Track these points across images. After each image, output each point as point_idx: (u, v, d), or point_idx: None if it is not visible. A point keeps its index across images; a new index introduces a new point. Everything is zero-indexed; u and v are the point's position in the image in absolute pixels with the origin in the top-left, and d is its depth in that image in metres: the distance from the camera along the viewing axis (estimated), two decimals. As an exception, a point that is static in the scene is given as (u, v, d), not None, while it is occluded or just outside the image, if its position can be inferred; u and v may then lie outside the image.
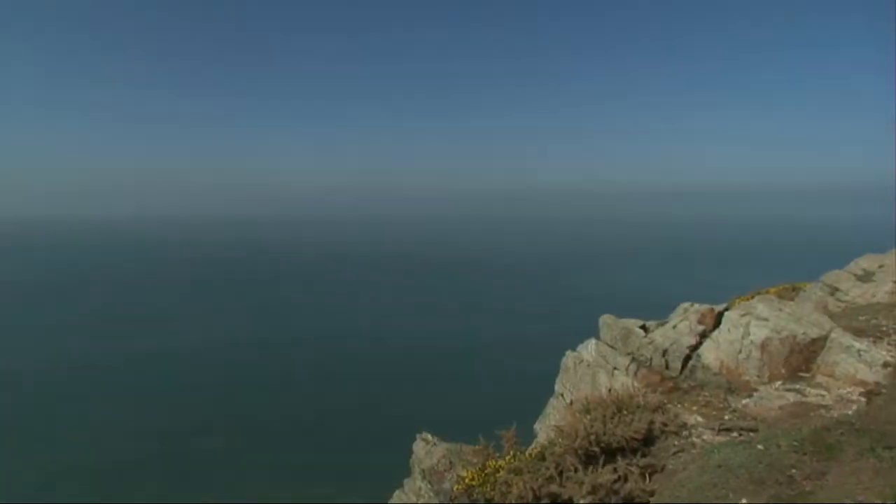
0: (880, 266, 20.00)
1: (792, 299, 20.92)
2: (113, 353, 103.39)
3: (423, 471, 15.90)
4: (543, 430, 16.69)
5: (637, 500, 9.94)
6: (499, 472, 12.69)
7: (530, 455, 11.88)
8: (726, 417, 11.91)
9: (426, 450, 16.37)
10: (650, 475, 10.18)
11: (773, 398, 11.81)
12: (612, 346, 15.13)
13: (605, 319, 15.58)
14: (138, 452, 66.17)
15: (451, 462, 15.29)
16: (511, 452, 13.02)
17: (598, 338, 15.83)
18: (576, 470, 10.33)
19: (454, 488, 13.53)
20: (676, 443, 10.76)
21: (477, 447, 14.44)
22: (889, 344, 12.56)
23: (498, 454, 14.04)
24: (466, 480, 13.30)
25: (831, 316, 16.51)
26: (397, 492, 16.99)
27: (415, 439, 17.51)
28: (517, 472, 11.61)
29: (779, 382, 12.56)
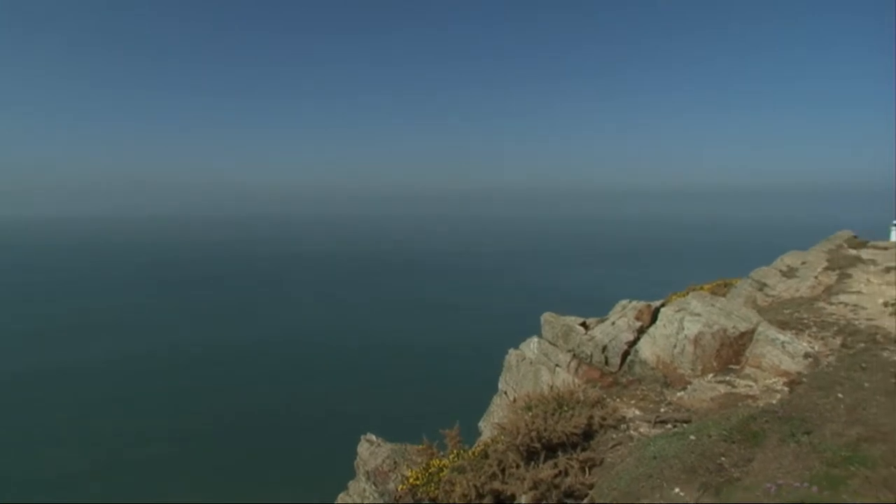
0: (803, 262, 21.06)
1: (724, 295, 21.80)
2: (54, 361, 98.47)
3: (368, 472, 15.76)
4: (488, 427, 16.84)
5: (577, 493, 10.15)
6: (443, 471, 12.73)
7: (473, 453, 11.97)
8: (662, 410, 12.29)
9: (370, 451, 16.23)
10: (590, 469, 10.40)
11: (705, 390, 12.26)
12: (553, 344, 15.39)
13: (547, 317, 15.84)
14: (80, 463, 63.53)
15: (395, 462, 15.21)
16: (455, 451, 13.08)
17: (540, 335, 16.07)
18: (517, 466, 10.47)
19: (398, 488, 13.49)
20: (615, 436, 11.04)
21: (421, 447, 14.44)
22: (810, 336, 13.25)
23: (442, 453, 14.08)
24: (410, 480, 13.29)
25: (759, 310, 17.28)
26: (341, 494, 16.79)
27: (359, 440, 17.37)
28: (461, 470, 11.68)
29: (711, 375, 13.04)
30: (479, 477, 11.04)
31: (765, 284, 20.65)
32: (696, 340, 13.18)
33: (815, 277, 20.07)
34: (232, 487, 57.56)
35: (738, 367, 13.25)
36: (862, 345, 12.13)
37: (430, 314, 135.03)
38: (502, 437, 11.35)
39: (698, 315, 13.53)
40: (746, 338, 13.35)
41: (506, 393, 16.78)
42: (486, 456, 11.43)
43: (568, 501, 10.13)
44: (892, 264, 19.81)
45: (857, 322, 13.81)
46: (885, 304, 15.35)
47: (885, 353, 11.42)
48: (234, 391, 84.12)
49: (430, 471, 13.29)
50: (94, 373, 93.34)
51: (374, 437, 16.92)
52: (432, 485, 12.79)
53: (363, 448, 16.67)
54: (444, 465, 12.96)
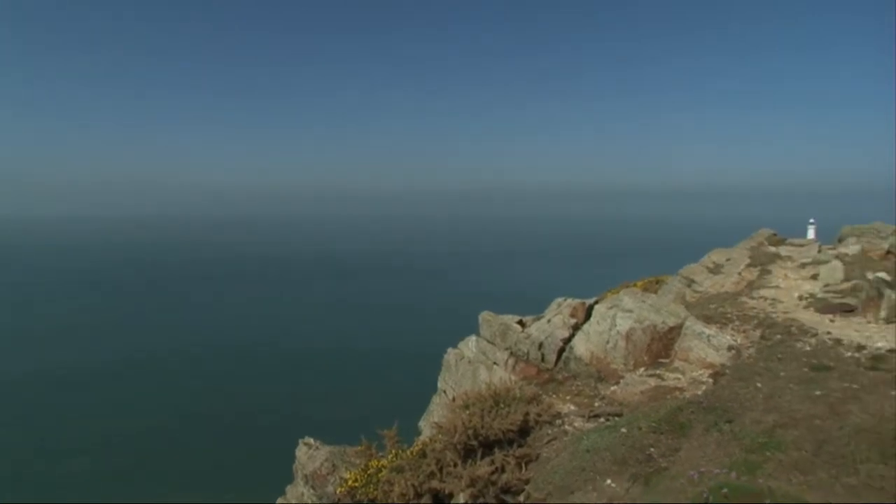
0: (728, 259, 22.06)
1: (656, 291, 22.60)
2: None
3: (306, 475, 15.59)
4: (428, 427, 16.90)
5: (514, 489, 10.33)
6: (381, 471, 12.73)
7: (412, 453, 12.01)
8: (596, 404, 12.64)
9: (309, 454, 16.06)
10: (526, 464, 10.60)
11: (636, 384, 12.68)
12: (491, 342, 15.58)
13: (485, 316, 16.03)
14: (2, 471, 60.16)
15: (334, 465, 15.10)
16: (393, 451, 13.10)
17: (478, 334, 16.24)
18: (455, 465, 10.56)
19: (337, 491, 13.40)
20: (550, 431, 11.28)
21: (359, 448, 14.39)
22: (733, 329, 13.90)
23: (381, 454, 14.06)
24: (349, 482, 13.22)
25: (688, 305, 18.00)
26: (279, 498, 16.54)
27: (297, 444, 17.15)
28: (399, 470, 11.69)
29: (642, 369, 13.51)
30: (418, 476, 11.09)
31: (693, 281, 21.52)
32: (628, 336, 13.62)
33: (739, 274, 21.04)
34: (166, 496, 55.64)
35: (667, 360, 13.77)
36: (779, 337, 12.81)
37: (371, 315, 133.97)
38: (440, 436, 11.43)
39: (630, 311, 13.98)
40: (675, 332, 13.89)
41: (445, 392, 16.88)
42: (425, 455, 11.49)
43: (505, 497, 10.29)
44: (807, 260, 20.99)
45: (774, 315, 14.57)
46: (800, 298, 16.27)
47: (799, 344, 12.11)
48: (167, 398, 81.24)
49: (368, 472, 13.26)
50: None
51: (312, 441, 16.74)
52: (371, 486, 12.77)
53: (301, 452, 16.47)
54: (382, 466, 12.96)
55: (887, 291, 13.57)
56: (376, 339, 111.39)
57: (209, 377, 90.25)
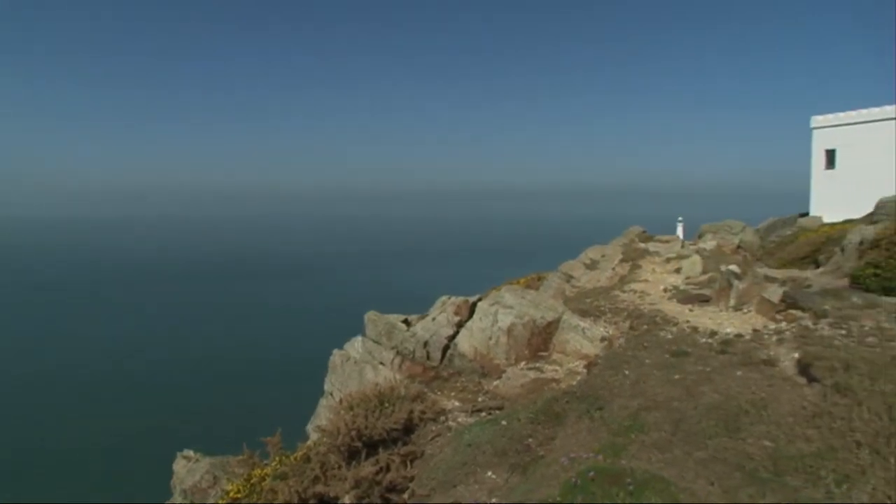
0: (603, 255, 23.40)
1: (538, 287, 23.55)
2: None
3: (185, 490, 14.84)
4: (314, 431, 16.59)
5: (399, 487, 10.39)
6: (265, 480, 12.37)
7: (296, 458, 11.76)
8: (479, 399, 12.99)
9: (188, 467, 15.30)
10: (411, 462, 10.70)
11: (517, 377, 13.14)
12: (377, 342, 15.58)
13: (370, 316, 16.00)
14: None
15: (215, 477, 14.49)
16: (277, 458, 12.76)
17: (364, 335, 16.18)
18: (339, 467, 10.46)
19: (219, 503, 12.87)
20: (434, 428, 11.46)
21: (241, 457, 13.89)
22: (605, 321, 14.78)
23: (265, 462, 13.66)
24: (231, 494, 12.75)
25: (566, 300, 18.92)
26: (155, 518, 15.61)
27: (175, 458, 16.28)
28: (283, 477, 11.41)
29: (523, 363, 14.02)
30: (302, 482, 10.87)
31: (571, 276, 22.64)
32: (509, 331, 14.09)
33: (613, 269, 22.39)
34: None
35: (546, 353, 14.40)
36: (645, 327, 13.78)
37: (252, 319, 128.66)
38: (324, 439, 11.27)
39: (511, 307, 14.47)
40: (553, 326, 14.54)
41: (332, 394, 16.66)
42: (309, 460, 11.29)
43: (390, 496, 10.33)
44: (672, 255, 22.72)
45: (642, 307, 15.64)
46: (665, 291, 17.58)
47: (662, 333, 13.08)
48: (36, 419, 74.01)
49: (251, 481, 12.85)
50: None
51: (191, 453, 15.97)
52: (255, 495, 12.38)
53: (179, 465, 15.67)
54: (266, 474, 12.60)
55: (735, 282, 14.98)
56: (260, 343, 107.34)
57: (72, 388, 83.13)
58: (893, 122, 33.52)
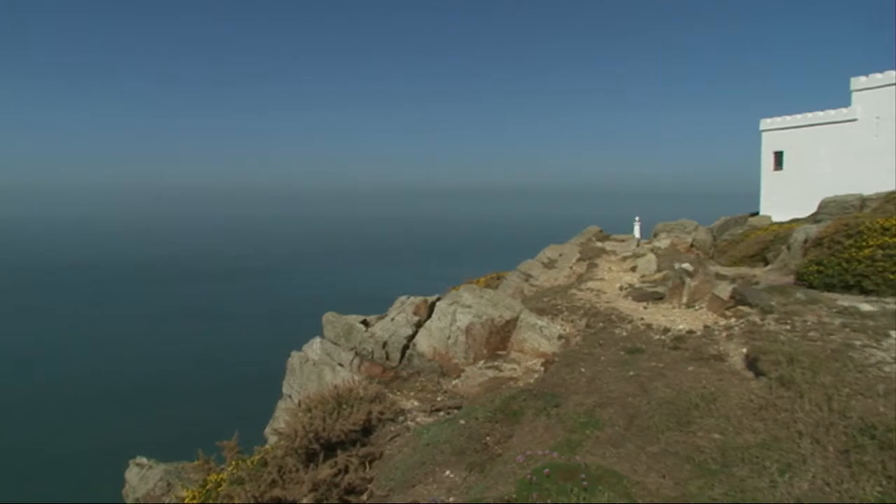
0: (560, 254, 23.71)
1: (497, 287, 23.71)
2: None
3: (138, 499, 14.45)
4: (272, 434, 16.37)
5: (358, 489, 10.33)
6: (221, 485, 12.14)
7: (252, 462, 11.57)
8: (438, 399, 13.02)
9: (141, 475, 14.90)
10: (370, 463, 10.65)
11: (476, 376, 13.23)
12: (336, 343, 15.46)
13: (328, 317, 15.87)
14: None
15: (169, 484, 14.14)
16: (234, 463, 12.52)
17: (322, 336, 16.04)
18: (297, 470, 10.35)
19: (172, 511, 12.58)
20: (393, 428, 11.43)
21: (197, 463, 13.61)
22: (562, 319, 14.98)
23: (221, 467, 13.41)
24: (186, 500, 12.46)
25: (524, 299, 19.11)
26: (106, 528, 15.16)
27: (128, 466, 15.84)
28: (239, 482, 11.22)
29: (481, 362, 14.11)
30: (259, 486, 10.71)
31: (530, 275, 22.87)
32: (468, 330, 14.16)
33: (571, 268, 22.70)
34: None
35: (504, 352, 14.52)
36: (601, 324, 14.03)
37: (208, 321, 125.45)
38: (281, 442, 11.14)
39: (469, 307, 14.55)
40: (511, 325, 14.68)
41: (290, 397, 16.46)
42: (266, 463, 11.13)
43: (349, 498, 10.27)
44: (628, 254, 23.17)
45: (598, 305, 15.92)
46: (621, 289, 17.92)
47: (617, 330, 13.35)
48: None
49: (207, 487, 12.59)
50: None
51: (144, 460, 15.56)
52: (210, 501, 12.14)
53: (132, 473, 15.25)
54: (222, 480, 12.35)
55: (688, 280, 15.38)
56: (216, 347, 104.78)
57: (15, 397, 79.67)
58: (835, 125, 34.89)
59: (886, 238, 14.18)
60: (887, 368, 9.05)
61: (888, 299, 13.08)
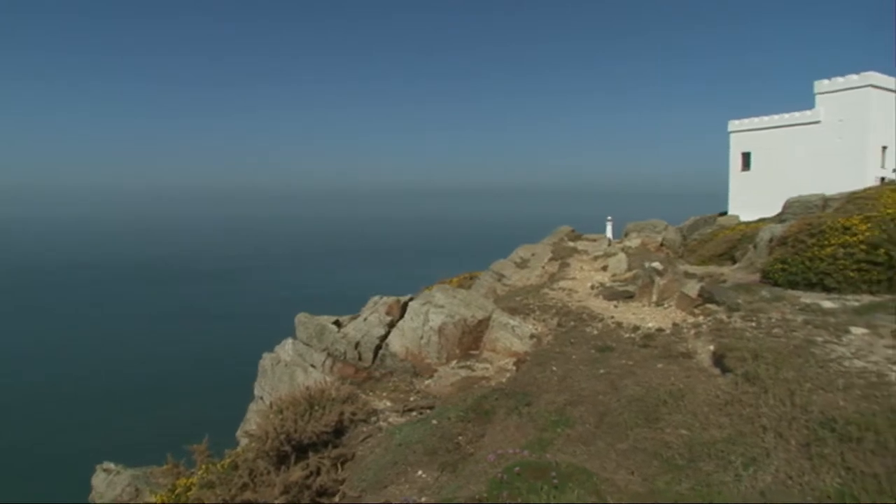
0: (533, 254, 23.87)
1: (470, 287, 23.78)
2: None
3: (105, 505, 14.18)
4: (243, 436, 16.20)
5: (330, 490, 10.28)
6: (190, 489, 11.97)
7: (223, 466, 11.43)
8: (411, 399, 13.01)
9: (108, 481, 14.62)
10: (342, 464, 10.60)
11: (448, 376, 13.24)
12: (308, 344, 15.35)
13: (301, 318, 15.75)
14: None
15: (137, 489, 13.91)
16: (204, 467, 12.36)
17: (295, 337, 15.92)
18: (268, 472, 10.25)
19: (140, 517, 12.37)
20: (365, 429, 11.39)
21: (166, 467, 13.41)
22: (534, 319, 15.09)
23: (191, 471, 13.23)
24: (154, 505, 12.27)
25: (497, 299, 19.18)
26: (72, 536, 14.84)
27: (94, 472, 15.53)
28: (209, 485, 11.08)
29: (454, 362, 14.13)
30: (229, 490, 10.59)
31: (503, 275, 22.97)
32: (441, 330, 14.17)
33: (543, 267, 22.86)
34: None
35: (477, 352, 14.56)
36: (572, 323, 14.17)
37: (178, 323, 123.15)
38: (252, 445, 11.03)
39: (442, 307, 14.56)
40: (484, 325, 14.73)
41: (262, 398, 16.30)
42: (236, 467, 11.00)
43: (321, 500, 10.21)
44: (599, 253, 23.41)
45: (570, 304, 16.07)
46: (592, 288, 18.11)
47: (588, 329, 13.50)
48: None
49: (176, 492, 12.41)
50: None
51: (111, 466, 15.27)
52: (179, 506, 11.97)
53: (98, 479, 14.96)
54: (192, 484, 12.19)
55: (657, 279, 15.61)
56: (186, 349, 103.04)
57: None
58: (800, 127, 35.74)
59: (847, 237, 14.56)
60: (847, 364, 9.30)
61: (848, 296, 13.45)
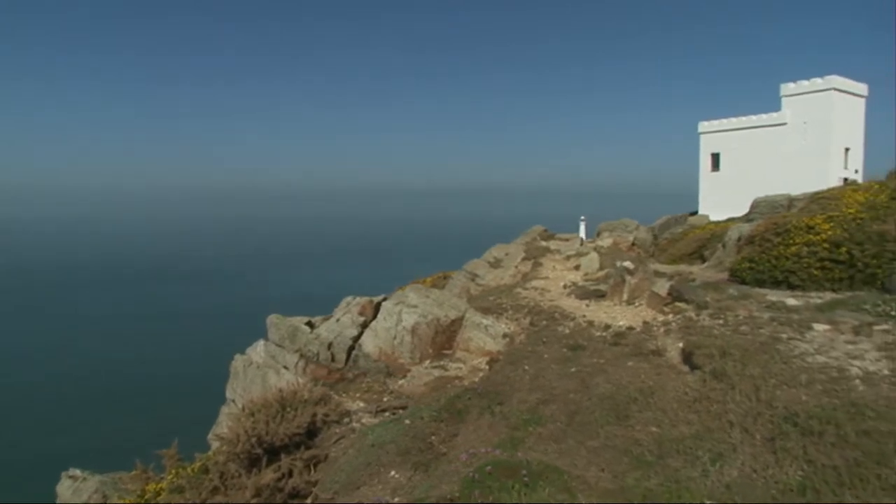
0: (506, 254, 23.98)
1: (444, 286, 23.81)
2: None
3: (71, 512, 13.87)
4: (215, 440, 16.00)
5: (302, 492, 10.21)
6: (160, 494, 11.80)
7: (193, 470, 11.27)
8: (384, 399, 12.98)
9: (74, 488, 14.30)
10: (315, 466, 10.54)
11: (422, 376, 13.26)
12: (280, 346, 15.23)
13: (273, 319, 15.62)
14: None
15: (104, 496, 13.62)
16: (173, 471, 12.18)
17: (267, 338, 15.78)
18: (239, 475, 10.14)
19: (107, 524, 12.14)
20: (338, 430, 11.34)
21: (135, 473, 13.18)
22: (507, 318, 15.17)
23: (161, 476, 13.02)
24: (122, 511, 12.06)
25: (471, 298, 19.25)
26: (37, 544, 14.49)
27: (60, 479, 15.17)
28: (179, 490, 10.92)
29: (427, 361, 14.16)
30: (200, 493, 10.46)
31: (476, 275, 23.05)
32: (414, 330, 14.18)
33: (516, 267, 23.00)
34: None
35: (450, 351, 14.60)
36: (544, 322, 14.26)
37: (146, 325, 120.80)
38: (223, 448, 10.90)
39: (415, 307, 14.56)
40: (457, 324, 14.78)
41: (234, 401, 16.12)
42: (207, 470, 10.86)
43: (293, 502, 10.14)
44: (572, 253, 23.64)
45: (542, 303, 16.18)
46: (564, 287, 18.27)
47: (560, 328, 13.60)
48: None
49: (145, 497, 12.23)
50: None
51: (78, 472, 14.94)
52: (149, 511, 11.79)
53: (64, 487, 14.63)
54: (161, 489, 12.01)
55: (628, 278, 15.80)
56: (155, 352, 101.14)
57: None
58: (766, 129, 36.50)
59: (811, 236, 14.92)
60: (809, 359, 9.53)
61: (812, 294, 13.78)
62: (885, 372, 8.82)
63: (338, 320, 15.12)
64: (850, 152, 35.30)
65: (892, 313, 11.40)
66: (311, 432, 11.06)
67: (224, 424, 16.38)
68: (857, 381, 8.58)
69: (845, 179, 32.11)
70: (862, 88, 35.97)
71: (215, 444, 16.18)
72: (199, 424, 19.87)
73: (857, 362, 9.30)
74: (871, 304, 11.99)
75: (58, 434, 65.67)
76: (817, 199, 19.05)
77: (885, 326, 10.76)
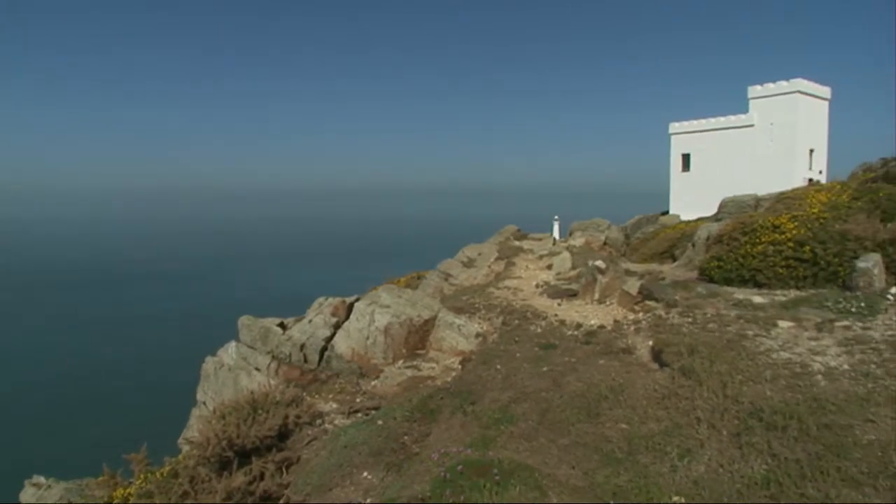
0: (479, 254, 24.07)
1: (417, 286, 23.80)
2: None
3: (35, 520, 13.54)
4: (185, 443, 15.77)
5: (274, 495, 10.11)
6: (128, 500, 11.58)
7: (162, 474, 11.09)
8: (357, 400, 12.92)
9: (38, 495, 13.94)
10: (286, 468, 10.45)
11: (395, 376, 13.22)
12: (252, 347, 15.07)
13: (244, 321, 15.45)
14: None
15: (70, 503, 13.33)
16: (142, 476, 11.97)
17: (238, 340, 15.60)
18: (210, 479, 10.01)
19: (73, 531, 11.87)
20: (310, 432, 11.26)
21: (101, 479, 12.90)
22: (480, 318, 15.22)
23: (129, 481, 12.78)
24: (89, 518, 11.82)
25: (444, 298, 19.27)
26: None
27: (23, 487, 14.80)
28: (148, 495, 10.74)
29: (401, 362, 14.12)
30: (169, 498, 10.30)
31: (449, 275, 23.08)
32: (387, 330, 14.14)
33: (489, 266, 23.09)
34: None
35: (423, 351, 14.59)
36: (517, 322, 14.35)
37: (115, 327, 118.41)
38: (193, 452, 10.75)
39: (388, 307, 14.53)
40: (430, 324, 14.77)
41: (205, 404, 15.91)
42: (177, 475, 10.70)
43: (265, 505, 10.05)
44: (544, 252, 23.81)
45: (515, 303, 16.28)
46: (537, 286, 18.41)
47: (532, 327, 13.70)
48: None
49: (113, 503, 11.98)
50: None
51: (42, 480, 14.57)
52: (116, 518, 11.56)
53: (27, 495, 14.26)
54: (129, 494, 11.78)
55: (599, 277, 15.98)
56: (124, 354, 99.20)
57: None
58: (735, 130, 37.23)
59: (776, 235, 15.26)
60: (774, 356, 9.75)
61: (777, 291, 14.10)
62: (846, 367, 9.07)
63: (310, 321, 15.01)
64: (814, 153, 36.19)
65: (853, 310, 11.73)
66: (283, 434, 10.96)
67: (194, 428, 16.15)
68: (819, 377, 8.80)
69: (810, 180, 32.92)
70: (826, 91, 36.89)
71: (185, 448, 15.97)
72: (169, 427, 19.56)
73: (819, 358, 9.55)
74: (832, 302, 12.31)
75: (25, 439, 64.09)
76: (782, 199, 19.49)
77: (845, 323, 11.06)
